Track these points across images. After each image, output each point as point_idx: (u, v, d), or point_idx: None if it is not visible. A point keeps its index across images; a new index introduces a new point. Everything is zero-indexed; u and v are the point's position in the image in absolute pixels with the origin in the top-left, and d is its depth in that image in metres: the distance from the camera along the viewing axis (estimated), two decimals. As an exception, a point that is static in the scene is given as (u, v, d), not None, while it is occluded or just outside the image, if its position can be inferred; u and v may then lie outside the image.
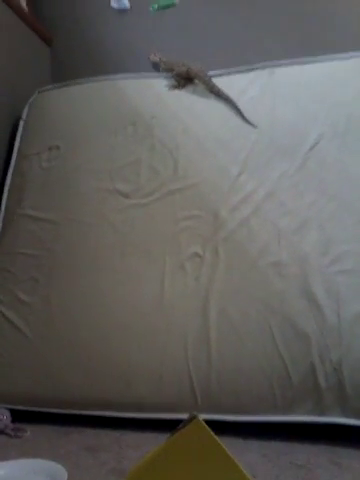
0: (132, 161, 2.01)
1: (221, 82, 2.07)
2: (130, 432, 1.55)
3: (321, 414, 1.46)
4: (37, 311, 1.81)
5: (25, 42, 2.52)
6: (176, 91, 2.14)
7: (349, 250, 1.62)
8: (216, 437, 0.91)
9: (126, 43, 2.60)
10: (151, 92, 2.17)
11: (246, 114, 1.95)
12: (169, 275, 1.74)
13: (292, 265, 1.64)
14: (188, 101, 2.10)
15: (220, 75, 2.13)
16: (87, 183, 2.01)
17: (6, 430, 1.58)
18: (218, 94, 2.04)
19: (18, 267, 1.92)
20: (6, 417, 1.62)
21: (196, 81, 2.12)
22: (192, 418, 0.91)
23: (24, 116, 2.30)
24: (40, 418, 1.66)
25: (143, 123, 2.07)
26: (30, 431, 1.58)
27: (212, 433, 0.91)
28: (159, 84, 2.18)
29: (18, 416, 1.65)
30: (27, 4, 2.60)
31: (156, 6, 2.58)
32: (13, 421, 1.63)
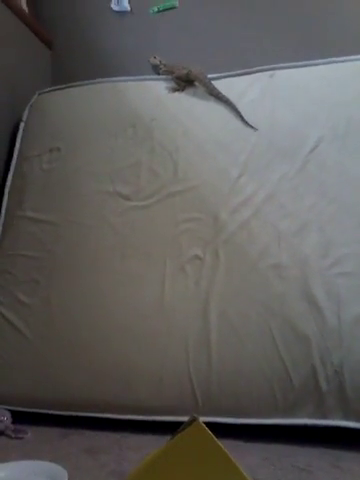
0: (132, 163, 2.01)
1: (221, 85, 2.07)
2: (130, 434, 1.55)
3: (322, 417, 1.46)
4: (37, 313, 1.81)
5: (25, 44, 2.52)
6: (176, 94, 2.13)
7: (349, 252, 1.62)
8: (217, 440, 0.91)
9: (126, 45, 2.61)
10: (151, 95, 2.16)
11: (246, 117, 1.95)
12: (169, 277, 1.74)
13: (292, 267, 1.64)
14: (188, 104, 2.09)
15: (220, 78, 2.12)
16: (87, 185, 2.01)
17: (6, 431, 1.58)
18: (218, 97, 2.04)
19: (18, 269, 1.92)
20: (7, 418, 1.62)
21: (196, 84, 2.12)
22: (192, 420, 0.91)
23: (24, 118, 2.30)
24: (40, 419, 1.66)
25: (143, 125, 2.07)
26: (30, 432, 1.57)
27: (213, 436, 0.91)
28: (159, 87, 2.18)
29: (19, 417, 1.65)
30: (27, 6, 2.60)
31: (156, 8, 2.59)
32: (13, 422, 1.62)
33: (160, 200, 1.89)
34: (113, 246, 1.85)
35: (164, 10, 2.59)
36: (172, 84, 2.17)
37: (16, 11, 2.40)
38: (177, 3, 2.56)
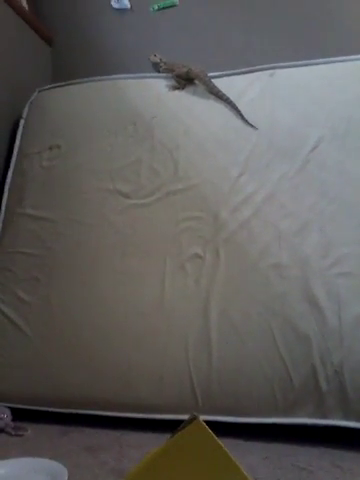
0: (132, 161, 2.01)
1: (221, 83, 2.07)
2: (130, 432, 1.56)
3: (322, 417, 1.46)
4: (37, 310, 1.81)
5: (26, 41, 2.51)
6: (176, 92, 2.13)
7: (349, 252, 1.63)
8: (217, 438, 0.91)
9: (126, 43, 2.60)
10: (151, 93, 2.16)
11: (246, 115, 1.95)
12: (170, 276, 1.74)
13: (293, 267, 1.65)
14: (188, 102, 2.09)
15: (220, 76, 2.12)
16: (88, 183, 2.01)
17: (7, 429, 1.58)
18: (218, 95, 2.04)
19: (19, 266, 1.92)
20: (7, 416, 1.62)
21: (196, 82, 2.12)
22: (193, 419, 0.91)
23: (24, 115, 2.30)
24: (40, 417, 1.66)
25: (143, 123, 2.07)
26: (31, 430, 1.58)
27: (213, 434, 0.91)
28: (159, 85, 2.18)
29: (19, 415, 1.65)
30: (28, 3, 2.59)
31: (156, 6, 2.58)
32: (14, 420, 1.63)
33: (160, 198, 1.90)
34: (113, 244, 1.86)
35: (164, 8, 2.58)
36: (172, 82, 2.17)
37: (16, 8, 2.39)
38: (177, 1, 2.56)
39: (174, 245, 1.79)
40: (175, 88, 2.15)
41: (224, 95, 2.02)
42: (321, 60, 2.03)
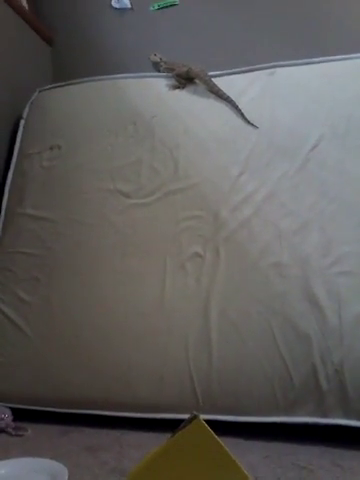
0: (133, 161, 2.01)
1: (221, 82, 2.07)
2: (131, 432, 1.55)
3: (323, 415, 1.46)
4: (38, 310, 1.81)
5: (26, 41, 2.52)
6: (177, 91, 2.13)
7: (350, 251, 1.62)
8: (217, 437, 0.91)
9: (127, 43, 2.61)
10: (152, 92, 2.16)
11: (246, 115, 1.95)
12: (170, 275, 1.74)
13: (293, 266, 1.64)
14: (188, 101, 2.09)
15: (220, 75, 2.13)
16: (88, 183, 2.01)
17: (7, 429, 1.58)
18: (218, 94, 2.04)
19: (19, 266, 1.92)
20: (7, 416, 1.62)
21: (197, 81, 2.12)
22: (193, 418, 0.91)
23: (25, 115, 2.30)
24: (41, 417, 1.66)
25: (143, 123, 2.07)
26: (31, 430, 1.58)
27: (213, 433, 0.91)
28: (160, 84, 2.18)
29: (19, 415, 1.65)
30: (28, 3, 2.60)
31: (157, 6, 2.59)
32: (14, 420, 1.62)
33: (160, 198, 1.89)
34: (113, 244, 1.85)
35: (164, 7, 2.59)
36: (173, 81, 2.17)
37: (16, 8, 2.39)
38: (178, 0, 2.56)
39: (174, 244, 1.79)
40: (175, 87, 2.15)
41: (224, 94, 2.02)
42: (321, 59, 2.03)
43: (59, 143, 2.14)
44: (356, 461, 1.31)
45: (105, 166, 2.03)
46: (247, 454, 1.33)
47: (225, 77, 2.12)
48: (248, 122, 1.94)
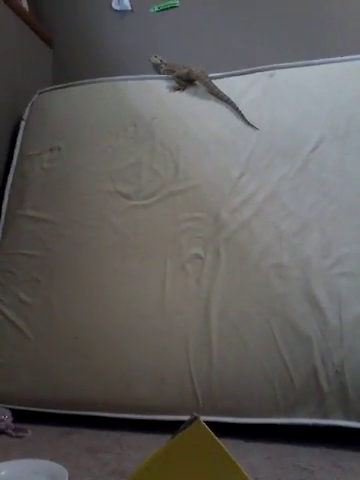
0: (133, 163, 2.01)
1: (221, 84, 2.06)
2: (131, 433, 1.55)
3: (323, 417, 1.46)
4: (38, 312, 1.81)
5: (26, 43, 2.52)
6: (177, 93, 2.13)
7: (350, 252, 1.62)
8: (217, 439, 0.90)
9: (127, 44, 2.61)
10: (152, 94, 2.16)
11: (247, 116, 1.95)
12: (170, 276, 1.74)
13: (293, 267, 1.64)
14: (189, 103, 2.09)
15: (220, 77, 2.12)
16: (88, 184, 2.01)
17: (7, 430, 1.58)
18: (219, 96, 2.03)
19: (19, 268, 1.92)
20: (7, 417, 1.62)
21: (197, 83, 2.12)
22: (193, 420, 0.91)
23: (25, 117, 2.30)
24: (41, 418, 1.66)
25: (144, 125, 2.07)
26: (31, 431, 1.58)
27: (213, 435, 0.90)
28: (160, 86, 2.17)
29: (19, 416, 1.65)
30: (28, 4, 2.59)
31: (157, 7, 2.59)
32: (14, 421, 1.62)
33: (161, 199, 1.89)
34: (114, 245, 1.85)
35: (165, 9, 2.59)
36: (173, 83, 2.16)
37: (16, 9, 2.39)
38: (178, 2, 2.56)
39: (175, 246, 1.79)
40: (176, 89, 2.14)
41: (225, 96, 2.02)
42: (321, 60, 2.02)
43: (59, 145, 2.14)
44: (357, 462, 1.31)
45: (105, 168, 2.02)
46: (248, 455, 1.33)
47: (225, 79, 2.11)
48: (248, 124, 1.94)
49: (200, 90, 2.11)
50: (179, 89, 2.14)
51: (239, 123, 1.96)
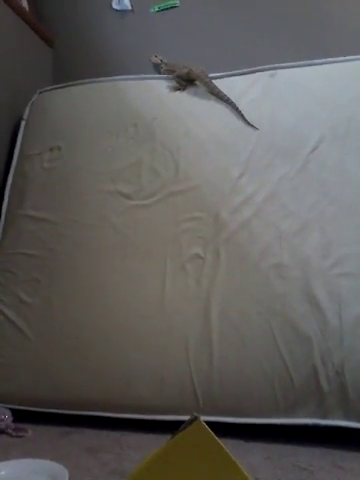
0: (133, 163, 2.00)
1: (222, 84, 2.06)
2: (131, 433, 1.55)
3: (323, 417, 1.46)
4: (38, 311, 1.81)
5: (26, 43, 2.52)
6: (177, 93, 2.13)
7: (350, 253, 1.62)
8: (218, 439, 0.91)
9: (127, 44, 2.60)
10: (152, 94, 2.16)
11: (247, 116, 1.95)
12: (170, 276, 1.74)
13: (293, 267, 1.64)
14: (189, 103, 2.09)
15: (221, 77, 2.12)
16: (88, 184, 2.01)
17: (7, 430, 1.58)
18: (219, 96, 2.03)
19: (19, 267, 1.92)
20: (7, 417, 1.62)
21: (197, 83, 2.12)
22: (193, 419, 0.91)
23: (25, 116, 2.30)
24: (41, 418, 1.66)
25: (144, 125, 2.07)
26: (31, 431, 1.58)
27: (214, 435, 0.90)
28: (160, 86, 2.17)
29: (19, 416, 1.65)
30: (28, 4, 2.59)
31: (157, 7, 2.59)
32: (14, 421, 1.63)
33: (161, 199, 1.89)
34: (114, 245, 1.85)
35: (165, 9, 2.59)
36: (173, 83, 2.16)
37: (17, 9, 2.39)
38: (178, 2, 2.56)
39: (175, 246, 1.79)
40: (176, 89, 2.14)
41: (225, 96, 2.02)
42: (322, 60, 2.02)
43: (59, 144, 2.14)
44: (357, 462, 1.31)
45: (105, 168, 2.02)
46: (248, 455, 1.33)
47: (225, 79, 2.11)
48: (248, 124, 1.94)
49: (200, 90, 2.11)
50: (179, 89, 2.13)
51: (239, 123, 1.96)
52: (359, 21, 2.33)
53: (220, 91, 2.03)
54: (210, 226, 1.79)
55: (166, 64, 2.27)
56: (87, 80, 2.31)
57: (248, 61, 2.19)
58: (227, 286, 1.68)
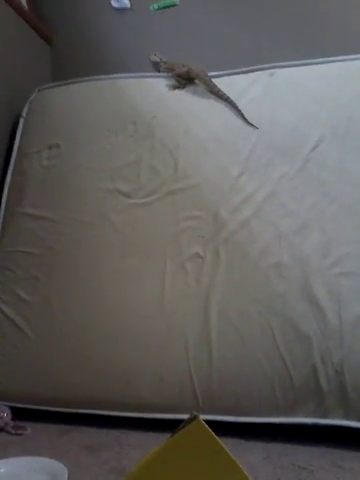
0: (132, 161, 2.00)
1: (221, 83, 2.06)
2: (131, 431, 1.56)
3: (323, 416, 1.47)
4: (37, 310, 1.81)
5: (25, 40, 2.51)
6: (176, 91, 2.13)
7: (350, 252, 1.63)
8: (217, 438, 0.91)
9: (126, 43, 2.60)
10: (151, 92, 2.16)
11: (246, 115, 1.95)
12: (170, 275, 1.74)
13: (293, 267, 1.64)
14: (188, 101, 2.09)
15: (220, 76, 2.12)
16: (87, 182, 2.00)
17: (6, 428, 1.58)
18: (218, 95, 2.03)
19: (19, 265, 1.92)
20: (6, 415, 1.63)
21: (196, 81, 2.12)
22: (193, 418, 0.91)
23: (24, 114, 2.29)
24: (40, 416, 1.66)
25: (143, 123, 2.07)
26: (30, 429, 1.58)
27: (213, 434, 0.90)
28: (159, 84, 2.17)
29: (19, 414, 1.65)
30: (27, 3, 2.59)
31: (156, 6, 2.58)
32: (13, 419, 1.63)
33: (160, 198, 1.89)
34: (113, 244, 1.85)
35: (164, 7, 2.58)
36: (172, 82, 2.16)
37: (16, 7, 2.39)
38: (177, 0, 2.56)
39: (174, 245, 1.79)
40: (175, 87, 2.14)
41: (224, 95, 2.02)
42: (321, 60, 2.02)
43: (58, 142, 2.13)
44: (356, 462, 1.32)
45: (105, 166, 2.02)
46: (247, 454, 1.33)
47: (225, 77, 2.11)
48: (248, 123, 1.94)
49: (200, 89, 2.11)
50: (178, 87, 2.13)
51: (239, 122, 1.96)
52: (358, 21, 2.33)
53: (220, 90, 2.03)
54: (210, 225, 1.79)
55: (165, 63, 2.27)
56: (86, 78, 2.30)
57: (248, 60, 2.18)
58: (227, 285, 1.68)
